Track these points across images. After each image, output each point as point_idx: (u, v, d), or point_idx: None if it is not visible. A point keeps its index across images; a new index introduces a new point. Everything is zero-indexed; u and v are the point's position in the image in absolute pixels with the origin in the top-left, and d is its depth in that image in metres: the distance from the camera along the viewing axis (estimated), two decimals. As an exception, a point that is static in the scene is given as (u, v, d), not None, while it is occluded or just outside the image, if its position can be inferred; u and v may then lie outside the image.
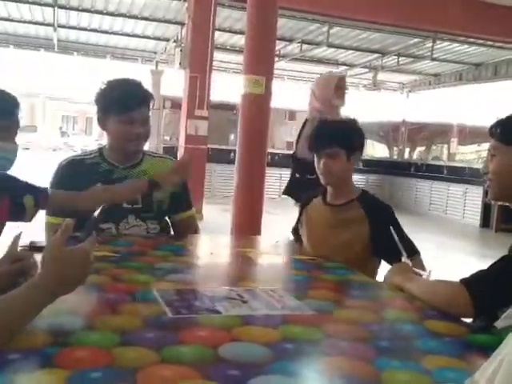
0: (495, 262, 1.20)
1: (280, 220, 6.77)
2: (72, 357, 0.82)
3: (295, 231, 1.98)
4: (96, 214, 0.98)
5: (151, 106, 1.82)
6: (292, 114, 13.88)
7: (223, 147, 10.56)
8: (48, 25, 9.22)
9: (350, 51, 10.26)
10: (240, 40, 9.02)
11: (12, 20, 9.18)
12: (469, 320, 1.18)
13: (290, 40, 9.35)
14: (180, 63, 6.82)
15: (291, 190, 2.89)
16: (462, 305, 1.15)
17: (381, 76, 11.73)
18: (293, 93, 12.89)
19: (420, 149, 13.61)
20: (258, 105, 4.54)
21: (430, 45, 8.92)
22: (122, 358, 0.82)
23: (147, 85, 1.90)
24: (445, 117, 12.87)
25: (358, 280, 1.47)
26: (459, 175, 9.24)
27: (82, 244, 0.93)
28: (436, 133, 13.20)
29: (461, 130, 12.82)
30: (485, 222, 8.26)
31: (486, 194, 1.57)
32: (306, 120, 2.91)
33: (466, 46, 9.31)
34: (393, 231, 1.51)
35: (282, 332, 0.98)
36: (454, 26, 7.61)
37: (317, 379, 0.86)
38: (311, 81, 13.23)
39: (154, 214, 1.87)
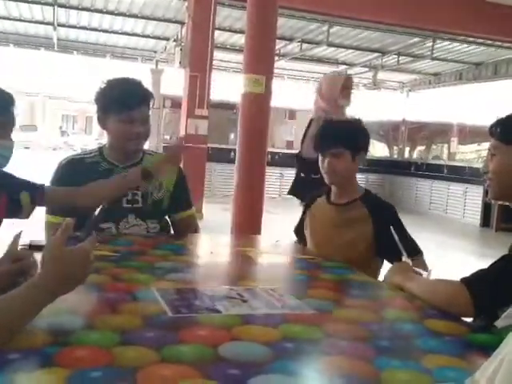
0: (495, 262, 1.20)
1: (280, 219, 6.77)
2: (72, 356, 0.82)
3: (298, 231, 1.98)
4: (96, 213, 0.98)
5: (151, 105, 1.82)
6: (292, 113, 13.89)
7: (223, 146, 10.57)
8: (48, 24, 9.21)
9: (350, 50, 10.25)
10: (240, 39, 9.01)
11: (12, 19, 9.17)
12: (469, 319, 1.18)
13: (290, 39, 9.34)
14: (180, 62, 6.82)
15: (296, 190, 2.88)
16: (462, 304, 1.15)
17: (381, 75, 11.73)
18: (293, 92, 12.89)
19: (420, 148, 13.61)
20: (258, 104, 4.54)
21: (430, 44, 8.92)
22: (122, 357, 0.82)
23: (147, 84, 1.90)
24: (445, 116, 12.87)
25: (358, 279, 1.47)
26: (459, 174, 9.25)
27: (82, 244, 0.93)
28: (436, 132, 13.20)
29: (461, 130, 12.82)
30: (485, 221, 8.26)
31: (486, 193, 1.57)
32: (312, 120, 2.91)
33: (466, 45, 9.31)
34: (393, 231, 1.51)
35: (281, 331, 0.98)
36: (454, 26, 7.61)
37: (317, 378, 0.86)
38: (311, 80, 13.25)
39: (152, 210, 1.86)
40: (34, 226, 1.76)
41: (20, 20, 9.25)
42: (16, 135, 1.45)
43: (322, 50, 10.00)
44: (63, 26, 9.38)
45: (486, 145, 1.43)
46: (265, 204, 4.81)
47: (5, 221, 1.54)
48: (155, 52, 10.97)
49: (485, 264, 1.21)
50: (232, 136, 11.72)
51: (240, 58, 6.53)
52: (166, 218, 1.96)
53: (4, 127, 1.39)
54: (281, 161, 10.90)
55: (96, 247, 1.28)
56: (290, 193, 2.92)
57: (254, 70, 4.49)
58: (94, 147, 1.96)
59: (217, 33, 7.89)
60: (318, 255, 1.80)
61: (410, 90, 13.23)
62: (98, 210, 0.98)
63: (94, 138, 23.26)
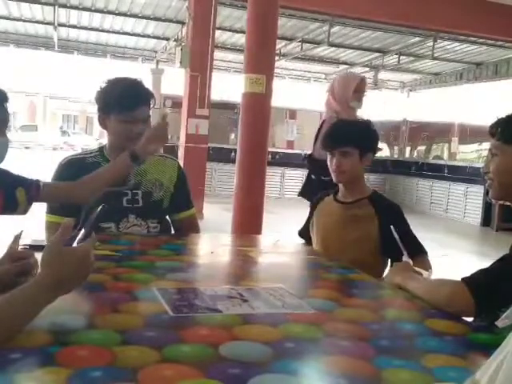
0: (496, 261, 1.20)
1: (281, 219, 6.77)
2: (73, 356, 0.82)
3: (304, 233, 1.99)
4: (96, 212, 0.98)
5: (152, 105, 1.82)
6: (292, 113, 13.88)
7: (224, 146, 10.57)
8: (48, 23, 9.22)
9: (351, 50, 10.26)
10: (241, 39, 9.02)
11: (12, 19, 9.18)
12: (469, 319, 1.18)
13: (291, 39, 9.34)
14: (180, 62, 6.82)
15: (306, 192, 2.88)
16: (462, 304, 1.15)
17: (382, 75, 11.74)
18: (293, 92, 12.89)
19: (421, 148, 13.61)
20: (258, 104, 4.54)
21: (431, 44, 8.91)
22: (123, 356, 0.82)
23: (147, 84, 1.89)
24: (446, 116, 12.87)
25: (359, 279, 1.47)
26: (460, 174, 9.25)
27: (82, 243, 0.93)
28: (437, 132, 13.20)
29: (461, 129, 12.82)
30: (485, 221, 8.26)
31: (486, 193, 1.57)
32: (324, 121, 2.90)
33: (467, 45, 9.31)
34: (393, 231, 1.51)
35: (282, 331, 0.98)
36: (454, 25, 7.61)
37: (317, 378, 0.86)
38: (312, 80, 13.23)
39: (152, 210, 1.86)
40: (35, 226, 1.76)
41: (20, 20, 9.26)
42: (16, 135, 1.45)
43: (323, 49, 10.00)
44: (64, 25, 9.38)
45: (487, 144, 1.43)
46: (265, 204, 4.81)
47: (5, 220, 1.54)
48: (156, 52, 10.97)
49: (485, 264, 1.21)
50: (233, 136, 11.72)
51: (241, 57, 6.53)
52: (167, 217, 1.96)
53: (2, 124, 1.38)
54: (281, 160, 10.90)
55: (97, 247, 1.28)
56: (300, 194, 2.91)
57: (255, 70, 4.49)
58: (95, 147, 1.96)
59: (217, 32, 7.89)
60: (319, 254, 1.80)
61: (410, 90, 13.23)
62: (98, 209, 0.98)
63: (94, 138, 23.27)
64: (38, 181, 1.55)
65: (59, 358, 0.80)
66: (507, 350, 0.54)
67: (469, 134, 12.57)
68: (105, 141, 1.94)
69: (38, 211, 1.73)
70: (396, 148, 12.94)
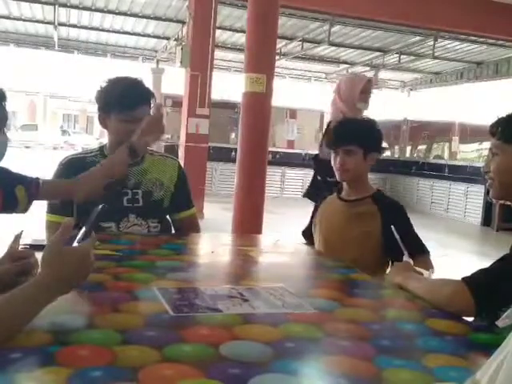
0: (497, 261, 1.20)
1: (281, 219, 6.77)
2: (73, 355, 0.82)
3: (306, 233, 1.99)
4: (95, 211, 0.98)
5: (152, 104, 1.82)
6: (293, 113, 13.87)
7: (224, 145, 10.57)
8: (48, 23, 9.22)
9: (352, 49, 10.26)
10: (241, 38, 9.02)
11: (12, 18, 9.18)
12: (470, 319, 1.18)
13: (291, 38, 9.34)
14: (181, 61, 6.82)
15: (311, 193, 2.87)
16: (463, 303, 1.15)
17: (382, 74, 11.73)
18: (294, 91, 12.89)
19: (421, 147, 13.61)
20: (259, 103, 4.54)
21: (432, 43, 8.91)
22: (123, 356, 0.82)
23: (148, 83, 1.89)
24: (446, 115, 12.86)
25: (360, 279, 1.46)
26: (460, 174, 9.25)
27: (82, 243, 0.93)
28: (437, 131, 13.20)
29: (462, 129, 12.81)
30: (486, 220, 8.26)
31: (487, 192, 1.58)
32: (330, 122, 2.89)
33: (467, 44, 9.31)
34: (394, 230, 1.51)
35: (282, 330, 0.98)
36: (455, 25, 7.60)
37: (318, 378, 0.86)
38: (313, 79, 13.22)
39: (153, 209, 1.86)
40: (35, 226, 1.76)
41: (21, 19, 9.26)
42: (17, 135, 1.44)
43: (323, 49, 10.01)
44: (64, 25, 9.39)
45: (488, 144, 1.43)
46: (266, 203, 4.82)
47: (6, 219, 1.54)
48: (156, 51, 10.98)
49: (486, 264, 1.21)
50: (233, 135, 11.72)
51: (241, 57, 6.53)
52: (167, 217, 1.96)
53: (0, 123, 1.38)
54: (282, 160, 10.91)
55: (97, 246, 1.28)
56: (305, 195, 2.90)
57: (255, 69, 4.49)
58: (95, 146, 1.96)
59: (218, 32, 7.89)
60: (319, 254, 1.80)
61: (411, 89, 13.23)
62: (98, 208, 0.98)
63: (94, 138, 23.27)
64: (37, 178, 1.54)
65: (59, 358, 0.80)
66: (507, 350, 0.54)
67: (469, 134, 12.57)
68: (105, 140, 1.94)
69: (39, 211, 1.73)
70: (396, 147, 12.94)
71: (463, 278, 1.18)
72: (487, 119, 1.41)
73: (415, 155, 12.89)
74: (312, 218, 1.98)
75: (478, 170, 8.02)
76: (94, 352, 0.83)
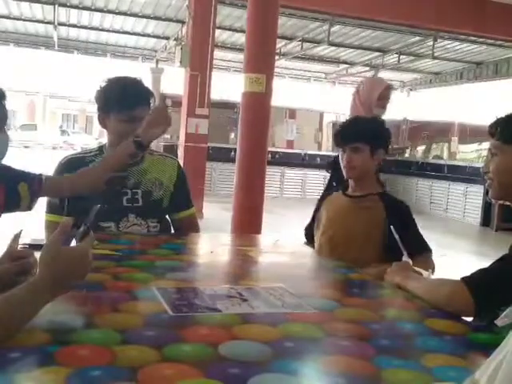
0: (496, 261, 1.20)
1: (280, 219, 6.77)
2: (73, 355, 0.82)
3: (309, 230, 1.98)
4: (93, 211, 0.98)
5: (152, 104, 1.82)
6: (292, 113, 13.88)
7: (224, 146, 10.58)
8: (48, 23, 9.22)
9: (351, 49, 10.26)
10: (241, 38, 9.02)
11: (12, 18, 9.18)
12: (469, 319, 1.18)
13: (291, 38, 9.34)
14: (180, 61, 6.82)
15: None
16: (462, 303, 1.15)
17: (382, 74, 11.72)
18: (293, 91, 12.89)
19: (420, 147, 13.61)
20: (258, 103, 4.54)
21: (431, 43, 8.92)
22: (122, 356, 0.82)
23: (147, 83, 1.89)
24: (446, 115, 12.86)
25: (359, 278, 1.47)
26: (460, 174, 9.25)
27: (81, 243, 0.93)
28: (437, 131, 13.21)
29: (461, 129, 12.82)
30: (485, 221, 8.26)
31: (486, 192, 1.59)
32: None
33: (467, 44, 9.31)
34: (393, 230, 1.51)
35: (282, 330, 0.98)
36: (454, 25, 7.61)
37: (317, 378, 0.86)
38: (312, 79, 13.20)
39: (152, 209, 1.86)
40: (35, 225, 1.76)
41: (20, 19, 9.26)
42: (16, 134, 1.44)
43: (323, 49, 10.01)
44: (64, 24, 9.38)
45: (487, 144, 1.43)
46: (265, 203, 4.82)
47: (5, 219, 1.53)
48: (156, 51, 10.97)
49: (485, 264, 1.21)
50: (232, 135, 11.73)
51: (241, 57, 6.52)
52: (167, 217, 1.96)
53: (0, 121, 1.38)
54: (281, 160, 10.91)
55: (97, 246, 1.28)
56: (320, 201, 2.88)
57: (255, 69, 4.49)
58: (95, 146, 1.96)
59: (217, 32, 7.89)
60: (319, 254, 1.80)
61: (410, 89, 13.23)
62: (96, 208, 0.98)
63: (94, 138, 23.25)
64: (40, 175, 1.54)
65: (59, 358, 0.80)
66: (507, 350, 0.54)
67: (469, 134, 12.58)
68: (104, 140, 1.94)
69: (38, 210, 1.73)
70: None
71: (462, 278, 1.18)
72: (487, 119, 1.41)
73: (415, 155, 12.89)
74: (314, 214, 1.97)
75: (478, 170, 8.02)
76: (93, 352, 0.83)
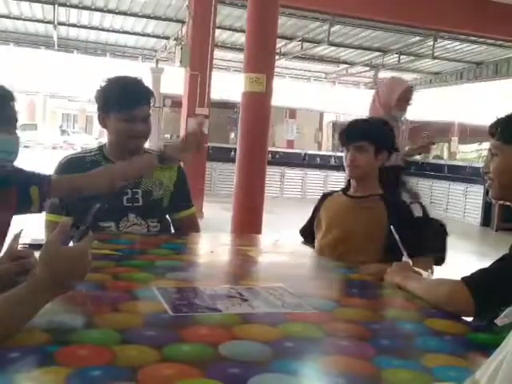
0: (496, 261, 1.20)
1: (280, 219, 6.77)
2: (72, 355, 0.82)
3: (305, 230, 1.98)
4: (92, 210, 0.97)
5: (152, 104, 1.82)
6: (292, 113, 13.88)
7: (224, 145, 10.58)
8: (48, 22, 9.22)
9: (351, 49, 10.25)
10: (241, 38, 9.01)
11: (12, 17, 9.17)
12: (469, 319, 1.18)
13: (291, 38, 9.34)
14: (180, 61, 6.82)
15: None
16: (462, 303, 1.15)
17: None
18: (293, 91, 12.88)
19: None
20: (258, 103, 4.54)
21: (431, 43, 8.91)
22: (122, 356, 0.82)
23: (147, 83, 1.89)
24: (446, 115, 12.86)
25: (359, 278, 1.47)
26: (460, 174, 9.25)
27: (80, 242, 0.93)
28: (437, 131, 13.21)
29: (461, 129, 12.82)
30: (485, 221, 8.26)
31: (486, 193, 1.59)
32: None
33: (467, 44, 9.31)
34: (393, 230, 1.51)
35: (282, 330, 0.98)
36: (455, 25, 7.60)
37: (317, 378, 0.86)
38: (312, 79, 13.20)
39: (152, 209, 1.86)
40: (35, 225, 1.76)
41: (20, 18, 9.25)
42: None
43: (323, 48, 10.00)
44: (63, 24, 9.38)
45: (487, 144, 1.43)
46: (265, 203, 4.81)
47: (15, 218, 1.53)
48: (155, 51, 10.97)
49: (485, 264, 1.21)
50: (232, 135, 11.73)
51: (241, 56, 6.52)
52: (167, 217, 1.96)
53: (9, 122, 1.38)
54: (281, 160, 10.91)
55: (95, 246, 1.28)
56: None
57: (255, 69, 4.49)
58: (95, 146, 1.96)
59: (217, 31, 7.89)
60: (319, 254, 1.80)
61: (410, 89, 13.19)
62: (96, 207, 0.98)
63: (94, 137, 23.24)
64: (49, 176, 1.55)
65: (58, 358, 0.80)
66: (507, 350, 0.54)
67: (469, 134, 12.58)
68: (104, 140, 1.94)
69: (45, 201, 1.73)
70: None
71: (462, 278, 1.18)
72: (487, 119, 1.41)
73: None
74: (313, 215, 1.97)
75: (478, 170, 8.03)
76: (93, 351, 0.83)
